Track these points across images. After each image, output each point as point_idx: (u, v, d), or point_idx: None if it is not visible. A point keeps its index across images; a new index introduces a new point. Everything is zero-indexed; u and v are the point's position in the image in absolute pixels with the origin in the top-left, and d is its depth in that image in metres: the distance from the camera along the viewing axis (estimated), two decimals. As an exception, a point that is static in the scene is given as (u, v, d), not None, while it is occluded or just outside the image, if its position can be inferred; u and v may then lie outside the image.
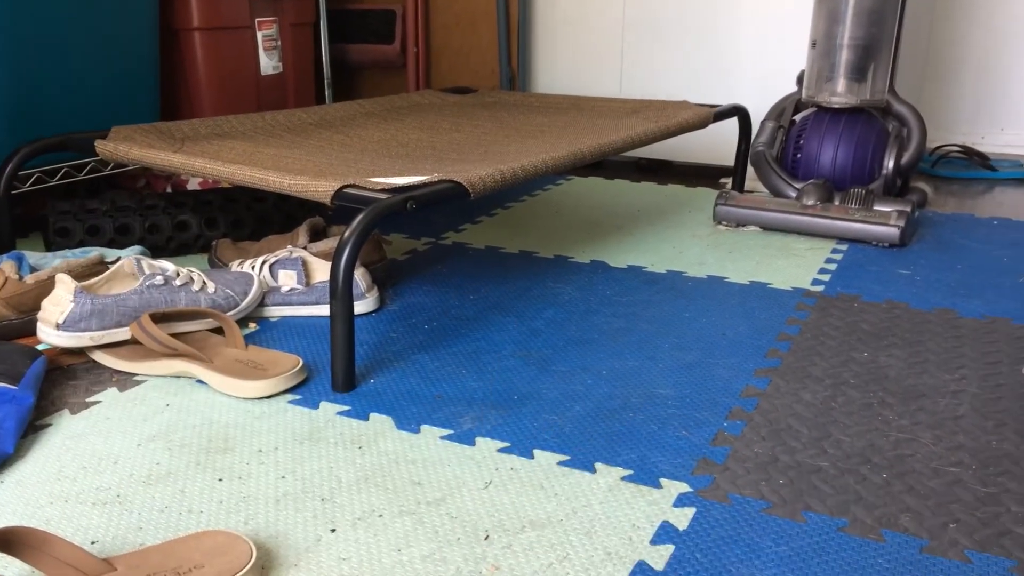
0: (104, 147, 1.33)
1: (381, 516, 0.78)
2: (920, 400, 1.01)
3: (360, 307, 1.24)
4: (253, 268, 1.25)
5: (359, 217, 0.99)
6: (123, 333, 1.07)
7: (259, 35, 1.86)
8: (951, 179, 2.22)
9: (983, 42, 2.57)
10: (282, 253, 1.26)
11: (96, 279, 1.11)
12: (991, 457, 0.89)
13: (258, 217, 1.55)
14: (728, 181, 2.14)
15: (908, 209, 1.60)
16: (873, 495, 0.82)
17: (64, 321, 1.04)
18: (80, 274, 1.17)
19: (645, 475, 0.85)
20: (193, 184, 1.72)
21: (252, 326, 1.21)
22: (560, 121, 1.74)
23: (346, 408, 0.98)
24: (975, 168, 2.27)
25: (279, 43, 1.92)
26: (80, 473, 0.85)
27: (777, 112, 1.87)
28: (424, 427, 0.94)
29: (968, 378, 1.06)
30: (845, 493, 0.82)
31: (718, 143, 2.20)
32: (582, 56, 2.35)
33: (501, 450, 0.89)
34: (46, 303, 1.06)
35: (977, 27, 2.56)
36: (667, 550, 0.74)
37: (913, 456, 0.89)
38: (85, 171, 1.60)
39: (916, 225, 1.69)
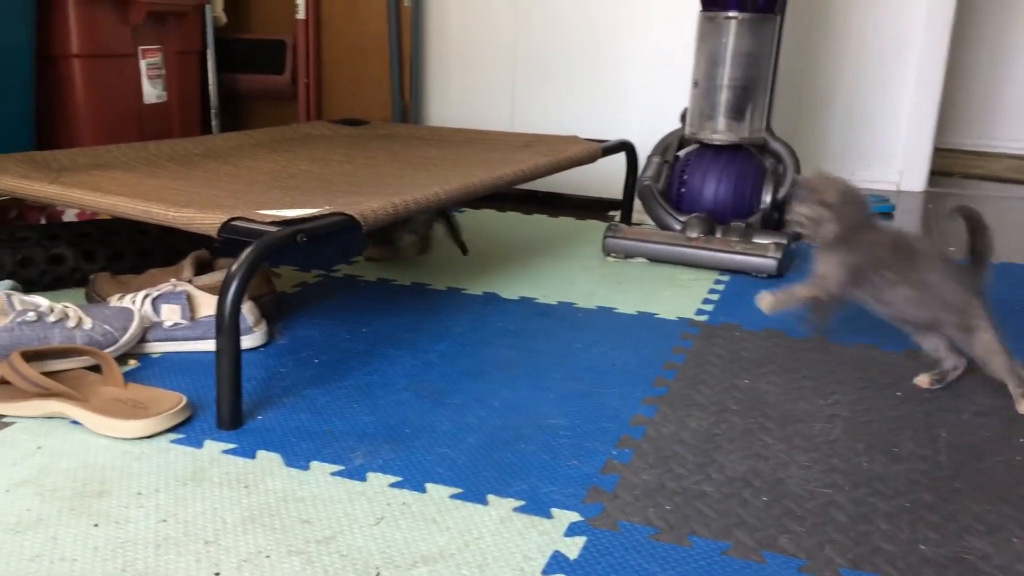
0: (-28, 177, 1.27)
1: (268, 557, 0.76)
2: (797, 425, 1.05)
3: (247, 342, 1.22)
4: (134, 302, 1.20)
5: (247, 250, 0.97)
6: (-9, 372, 1.02)
7: (142, 63, 1.81)
8: (824, 213, 2.33)
9: (851, 84, 2.73)
10: (165, 287, 1.22)
11: (-39, 316, 1.05)
12: (862, 478, 0.93)
13: (140, 250, 1.50)
14: (617, 214, 2.19)
15: (785, 242, 1.68)
16: (754, 518, 0.85)
17: (-75, 361, 0.98)
18: (-57, 310, 1.10)
19: (536, 505, 0.85)
20: (70, 215, 1.65)
21: (132, 363, 1.17)
22: (453, 154, 1.76)
23: (232, 446, 0.95)
24: (846, 203, 2.39)
25: (164, 71, 1.87)
26: (-59, 523, 0.80)
27: (662, 148, 1.93)
28: (314, 463, 0.92)
29: (841, 403, 1.12)
30: (728, 517, 0.85)
31: (607, 177, 2.26)
32: (474, 90, 2.38)
33: (393, 485, 0.89)
34: (-96, 342, 0.99)
35: (846, 70, 2.72)
36: (558, 580, 0.74)
37: (791, 479, 0.92)
38: (-49, 201, 1.51)
39: (792, 257, 1.77)
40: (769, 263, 1.64)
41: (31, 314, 1.07)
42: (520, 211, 2.21)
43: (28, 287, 1.41)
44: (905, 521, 0.85)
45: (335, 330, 1.31)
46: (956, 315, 1.09)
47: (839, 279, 1.10)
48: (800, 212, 1.10)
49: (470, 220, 2.07)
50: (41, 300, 1.10)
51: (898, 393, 1.15)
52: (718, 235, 1.72)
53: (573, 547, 0.79)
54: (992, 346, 1.08)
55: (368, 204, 1.15)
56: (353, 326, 1.33)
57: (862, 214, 1.11)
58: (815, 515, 0.86)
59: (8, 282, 1.32)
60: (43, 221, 1.67)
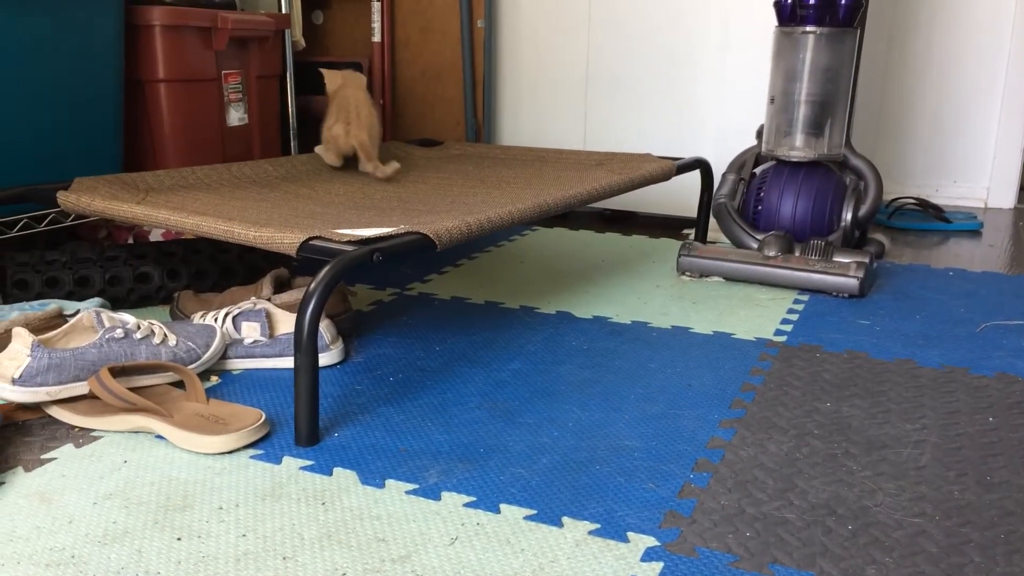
0: (66, 198, 1.32)
1: (345, 574, 0.77)
2: (883, 450, 1.01)
3: (325, 359, 1.23)
4: (216, 320, 1.23)
5: (325, 269, 0.98)
6: (81, 388, 1.05)
7: (225, 87, 1.86)
8: (907, 231, 2.27)
9: (934, 98, 2.65)
10: (246, 304, 1.25)
11: (54, 332, 1.09)
12: (953, 507, 0.89)
13: (222, 268, 1.54)
14: (691, 232, 2.17)
15: (867, 260, 1.63)
16: (839, 547, 0.82)
17: (20, 376, 1.02)
18: (38, 327, 1.15)
19: (612, 529, 0.84)
20: (155, 235, 1.70)
21: (214, 379, 1.19)
22: (525, 173, 1.76)
23: (309, 463, 0.97)
24: (930, 220, 2.32)
25: (245, 95, 1.93)
26: (33, 533, 0.82)
27: (738, 165, 1.90)
28: (389, 482, 0.93)
29: (929, 428, 1.08)
30: (811, 545, 0.82)
31: (681, 195, 2.23)
32: (547, 109, 2.39)
33: (467, 504, 0.88)
34: (1, 357, 1.04)
35: (928, 83, 2.64)
36: (635, 606, 0.73)
37: (877, 507, 0.89)
38: (45, 222, 1.58)
39: (874, 276, 1.72)
40: (851, 282, 1.59)
41: (119, 331, 1.10)
42: (593, 229, 2.20)
43: (116, 304, 1.46)
44: (1000, 553, 0.81)
45: (409, 348, 1.32)
46: None
47: None
48: None
49: (543, 239, 2.07)
50: (128, 317, 1.13)
51: (990, 418, 1.10)
52: (797, 253, 1.68)
53: (650, 573, 0.77)
54: None
55: (443, 223, 1.16)
56: (427, 344, 1.34)
57: None
58: (904, 545, 0.82)
59: (97, 300, 1.37)
60: (130, 240, 1.73)
